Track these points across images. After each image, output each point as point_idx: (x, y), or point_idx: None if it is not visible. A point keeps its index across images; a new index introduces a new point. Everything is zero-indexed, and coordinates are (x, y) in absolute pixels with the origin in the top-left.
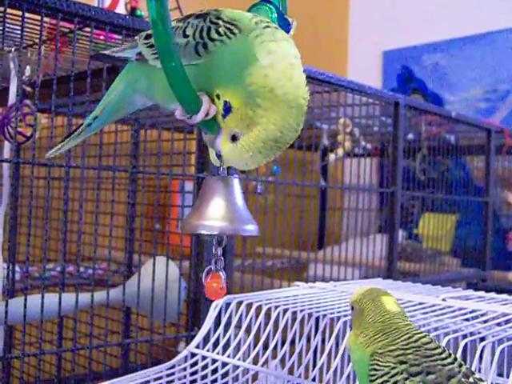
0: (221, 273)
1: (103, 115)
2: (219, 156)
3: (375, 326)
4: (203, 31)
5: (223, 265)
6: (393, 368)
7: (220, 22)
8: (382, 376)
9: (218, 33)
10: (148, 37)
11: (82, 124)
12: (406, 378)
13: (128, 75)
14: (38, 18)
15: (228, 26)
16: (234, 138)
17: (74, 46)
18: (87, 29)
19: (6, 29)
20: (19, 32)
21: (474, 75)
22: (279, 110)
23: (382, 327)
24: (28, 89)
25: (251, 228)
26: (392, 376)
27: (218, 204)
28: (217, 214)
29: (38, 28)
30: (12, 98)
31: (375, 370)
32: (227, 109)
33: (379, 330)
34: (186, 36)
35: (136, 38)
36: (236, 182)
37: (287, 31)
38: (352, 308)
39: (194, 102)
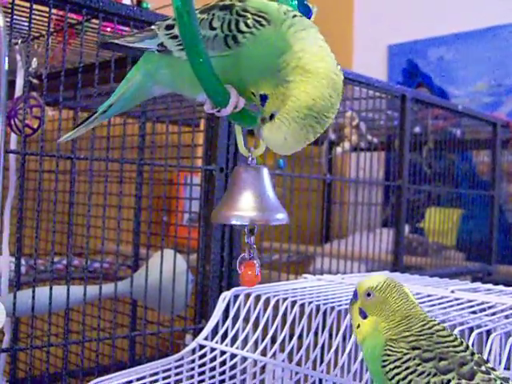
0: (255, 261)
1: (119, 103)
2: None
3: (400, 313)
4: (231, 24)
5: (256, 253)
6: (405, 354)
7: (248, 15)
8: (394, 361)
9: (247, 25)
10: (169, 27)
11: (95, 112)
12: (419, 364)
13: (147, 66)
14: (45, 9)
15: (256, 18)
16: (271, 117)
17: (82, 37)
18: (94, 20)
19: (13, 21)
20: (26, 24)
21: (480, 69)
22: (310, 80)
23: (406, 314)
24: (35, 81)
25: (281, 217)
26: (404, 362)
27: (248, 194)
28: (247, 204)
29: (45, 20)
30: (18, 90)
31: (388, 355)
32: (264, 98)
33: (405, 316)
34: (212, 28)
35: (153, 27)
36: (265, 172)
37: (308, 18)
38: (368, 294)
39: (222, 95)
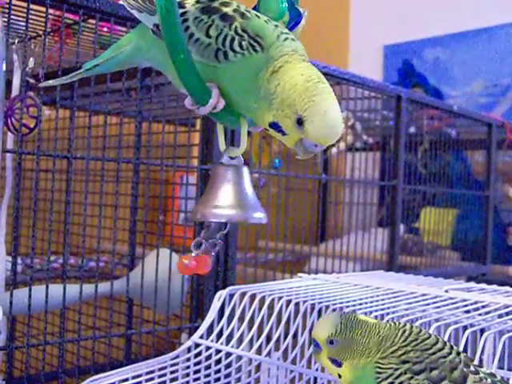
0: (193, 253)
1: (104, 66)
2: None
3: (373, 341)
4: (226, 39)
5: (206, 247)
6: (396, 369)
7: (245, 36)
8: (386, 378)
9: (241, 46)
10: None
11: (80, 67)
12: (411, 378)
13: (140, 41)
14: (42, 9)
15: (252, 41)
16: (299, 122)
17: (79, 37)
18: (91, 20)
19: (10, 20)
20: (22, 23)
21: (475, 70)
22: (285, 69)
23: (379, 339)
24: (31, 81)
25: (259, 216)
26: (396, 377)
27: (227, 192)
28: (225, 202)
29: (42, 19)
30: (15, 89)
31: (379, 373)
32: (276, 126)
33: (379, 341)
34: (208, 36)
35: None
36: (245, 171)
37: (298, 21)
38: (331, 342)
39: (202, 94)
